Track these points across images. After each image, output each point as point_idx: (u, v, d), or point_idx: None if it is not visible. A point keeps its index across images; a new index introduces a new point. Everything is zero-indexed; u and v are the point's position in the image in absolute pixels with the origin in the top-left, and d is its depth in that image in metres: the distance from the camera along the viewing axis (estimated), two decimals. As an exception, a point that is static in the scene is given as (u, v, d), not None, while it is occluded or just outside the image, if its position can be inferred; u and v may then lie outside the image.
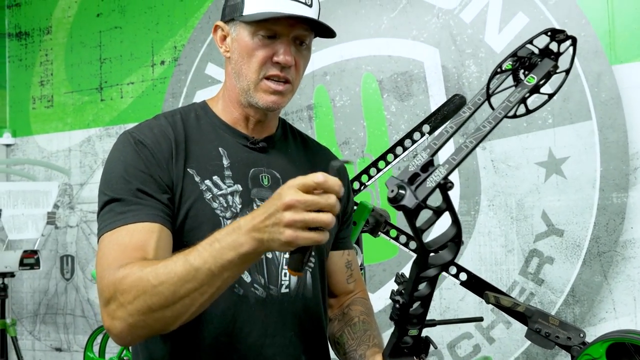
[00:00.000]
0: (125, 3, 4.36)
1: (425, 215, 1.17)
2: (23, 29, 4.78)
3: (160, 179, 1.46)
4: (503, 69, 1.35)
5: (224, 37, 1.60)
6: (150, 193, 1.43)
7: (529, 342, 2.88)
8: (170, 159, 1.49)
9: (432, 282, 1.26)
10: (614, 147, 2.97)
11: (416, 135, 2.43)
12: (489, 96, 1.30)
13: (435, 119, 2.36)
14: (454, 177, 3.30)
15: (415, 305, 1.30)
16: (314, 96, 3.68)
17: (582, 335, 1.95)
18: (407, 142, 2.45)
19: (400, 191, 1.12)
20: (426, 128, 2.40)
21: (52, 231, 4.48)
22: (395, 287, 1.36)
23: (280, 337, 1.54)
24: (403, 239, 2.52)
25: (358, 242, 2.45)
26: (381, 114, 3.50)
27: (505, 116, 1.26)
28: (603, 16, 3.05)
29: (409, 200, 1.11)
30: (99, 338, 3.72)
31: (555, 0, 3.10)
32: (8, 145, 4.73)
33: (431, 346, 1.42)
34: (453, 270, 2.33)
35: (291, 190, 1.16)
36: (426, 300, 1.29)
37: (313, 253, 1.60)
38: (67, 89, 4.55)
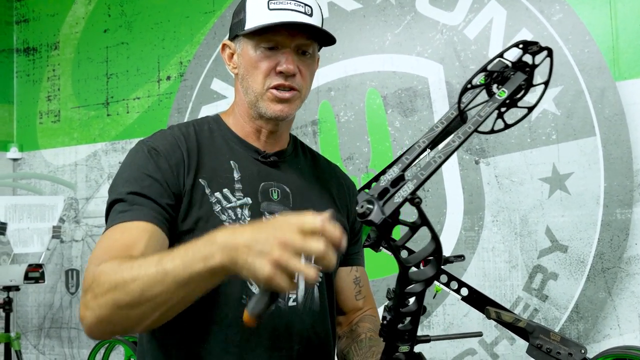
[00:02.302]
0: (132, 19, 4.40)
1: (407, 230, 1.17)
2: (31, 44, 4.81)
3: (167, 185, 1.48)
4: (474, 84, 1.35)
5: (232, 55, 1.64)
6: (152, 197, 1.45)
7: (532, 359, 2.87)
8: (182, 168, 1.52)
9: (420, 298, 1.25)
10: (618, 163, 2.97)
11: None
12: (461, 111, 1.30)
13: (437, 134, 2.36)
14: (457, 193, 3.30)
15: (405, 321, 1.29)
16: (319, 111, 3.69)
17: (583, 351, 1.93)
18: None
19: (369, 206, 1.11)
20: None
21: (58, 245, 4.49)
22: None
23: (287, 350, 1.54)
24: (405, 253, 2.51)
25: (360, 257, 2.44)
26: (385, 129, 3.51)
27: (478, 131, 1.25)
28: (607, 32, 3.05)
29: (375, 216, 1.10)
30: (102, 352, 3.72)
31: (558, 17, 3.11)
32: (15, 160, 4.75)
33: None
34: (454, 285, 2.32)
35: (290, 227, 1.08)
36: (415, 316, 1.28)
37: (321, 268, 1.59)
38: (73, 104, 4.58)
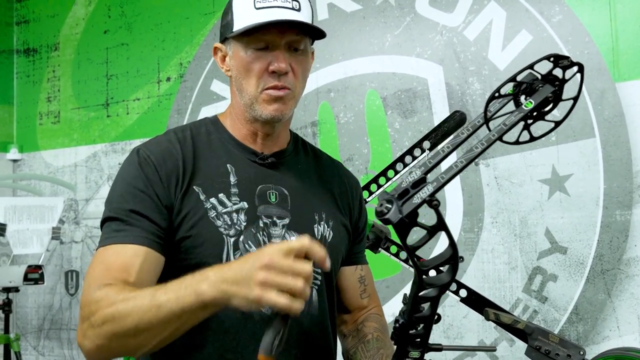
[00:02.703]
0: (132, 20, 4.40)
1: (422, 233, 1.17)
2: (31, 45, 4.82)
3: (157, 199, 1.47)
4: (502, 93, 1.34)
5: (224, 58, 1.62)
6: (145, 214, 1.45)
7: (531, 360, 2.86)
8: (174, 177, 1.51)
9: (434, 304, 1.24)
10: (618, 165, 2.96)
11: (417, 151, 2.43)
12: (486, 119, 1.29)
13: (436, 136, 2.36)
14: (456, 194, 3.30)
15: (418, 327, 1.28)
16: (318, 113, 3.69)
17: (582, 352, 1.93)
18: (408, 159, 2.46)
19: (388, 205, 1.12)
20: (427, 144, 2.40)
21: (57, 246, 4.49)
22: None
23: (285, 355, 1.52)
24: (403, 255, 2.51)
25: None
26: (385, 130, 3.51)
27: (500, 139, 1.25)
28: (606, 34, 3.05)
29: (393, 215, 1.11)
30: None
31: (558, 18, 3.11)
32: (15, 161, 4.75)
33: None
34: (453, 286, 2.32)
35: (273, 251, 1.16)
36: (428, 322, 1.27)
37: (319, 270, 1.59)
38: (73, 105, 4.58)
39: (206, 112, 3.99)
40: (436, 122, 3.34)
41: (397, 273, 3.39)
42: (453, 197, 3.31)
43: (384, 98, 3.53)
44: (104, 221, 1.49)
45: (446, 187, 3.28)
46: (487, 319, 2.09)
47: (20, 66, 4.85)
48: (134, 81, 4.36)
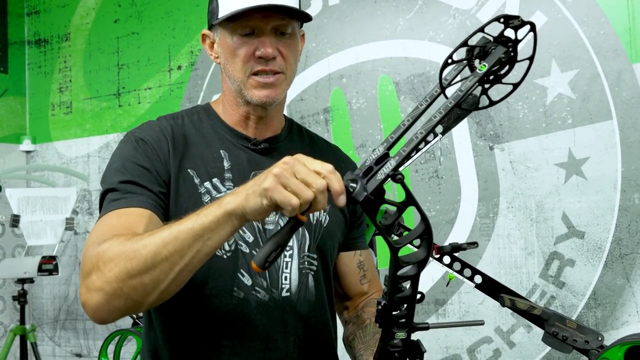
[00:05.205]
0: (142, 9, 4.37)
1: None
2: (42, 36, 4.81)
3: (157, 173, 1.47)
4: (454, 59, 1.31)
5: (212, 45, 1.61)
6: (144, 185, 1.44)
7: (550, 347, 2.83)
8: (168, 156, 1.50)
9: (414, 282, 1.21)
10: (636, 147, 2.91)
11: (429, 136, 2.39)
12: (443, 88, 1.27)
13: (449, 120, 2.31)
14: (471, 179, 3.26)
15: (402, 307, 1.25)
16: (330, 99, 3.66)
17: (600, 338, 1.90)
18: (421, 144, 2.41)
19: (352, 184, 1.11)
20: (439, 129, 2.35)
21: (72, 237, 4.49)
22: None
23: (282, 341, 1.53)
24: (416, 241, 2.47)
25: (372, 245, 2.41)
26: (398, 116, 3.47)
27: (459, 106, 1.22)
28: (623, 14, 2.99)
29: (358, 193, 1.09)
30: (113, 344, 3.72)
31: (573, -2, 3.06)
32: (28, 152, 4.75)
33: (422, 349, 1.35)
34: (468, 272, 2.28)
35: (295, 157, 1.15)
36: (410, 302, 1.24)
37: (315, 255, 1.59)
38: (85, 95, 4.57)
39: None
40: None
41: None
42: (468, 183, 3.27)
43: (396, 83, 3.49)
44: (102, 197, 1.46)
45: (460, 172, 3.25)
46: (503, 305, 2.06)
47: (31, 57, 4.84)
48: (145, 70, 4.34)
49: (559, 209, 3.08)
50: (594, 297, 2.98)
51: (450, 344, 3.27)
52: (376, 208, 1.11)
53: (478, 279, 2.28)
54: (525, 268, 3.15)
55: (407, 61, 3.47)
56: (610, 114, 2.96)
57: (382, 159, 1.14)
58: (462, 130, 3.25)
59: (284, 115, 1.73)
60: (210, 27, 1.58)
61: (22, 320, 4.06)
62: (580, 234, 3.02)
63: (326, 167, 1.13)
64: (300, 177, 1.12)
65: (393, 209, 1.17)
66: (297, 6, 1.51)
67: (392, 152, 1.16)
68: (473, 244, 2.21)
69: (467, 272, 2.31)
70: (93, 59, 4.56)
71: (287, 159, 1.14)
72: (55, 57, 4.73)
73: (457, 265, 2.29)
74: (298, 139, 1.72)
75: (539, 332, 3.03)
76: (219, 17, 1.50)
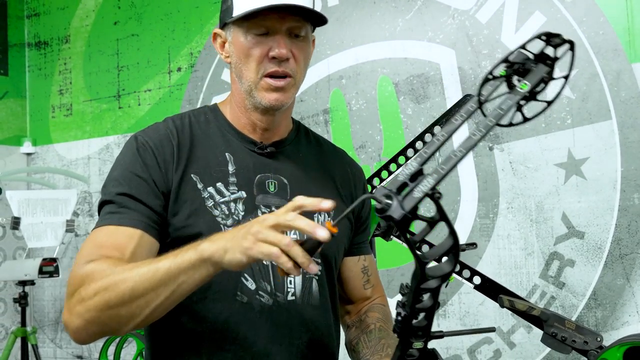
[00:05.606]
0: (141, 11, 4.38)
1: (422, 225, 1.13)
2: (42, 38, 4.81)
3: (154, 184, 1.46)
4: (494, 75, 1.30)
5: (223, 44, 1.58)
6: (141, 198, 1.43)
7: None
8: (171, 162, 1.49)
9: (435, 294, 1.21)
10: (635, 147, 2.91)
11: (428, 137, 2.39)
12: (480, 104, 1.25)
13: (447, 121, 2.32)
14: (471, 180, 3.26)
15: (420, 317, 1.25)
16: (330, 100, 3.66)
17: (599, 339, 1.90)
18: (419, 145, 2.42)
19: (387, 201, 1.09)
20: (438, 129, 2.36)
21: (72, 239, 4.50)
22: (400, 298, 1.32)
23: (286, 345, 1.52)
24: (426, 248, 2.47)
25: (371, 246, 2.41)
26: (397, 117, 3.47)
27: (498, 124, 1.21)
28: (622, 14, 2.99)
29: (395, 211, 1.08)
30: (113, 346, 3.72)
31: (572, -1, 3.05)
32: (28, 154, 4.76)
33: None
34: (467, 273, 2.28)
35: (271, 215, 1.20)
36: (430, 313, 1.24)
37: (319, 261, 1.57)
38: (85, 97, 4.58)
39: (218, 101, 3.96)
40: (449, 107, 3.30)
41: (412, 261, 3.35)
42: (467, 183, 3.27)
43: (396, 84, 3.49)
44: (100, 206, 1.48)
45: (460, 173, 3.25)
46: (502, 306, 2.06)
47: (32, 59, 4.85)
48: (144, 72, 4.35)
49: (559, 209, 3.08)
50: (594, 298, 2.98)
51: (450, 344, 3.27)
52: (409, 225, 1.10)
53: (477, 279, 2.28)
54: (525, 268, 3.14)
55: (406, 62, 3.47)
56: (609, 114, 2.96)
57: (417, 175, 1.12)
58: (461, 131, 3.25)
59: (292, 118, 1.71)
60: (223, 26, 1.56)
61: (23, 322, 4.06)
62: (580, 234, 3.02)
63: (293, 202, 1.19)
64: (275, 226, 1.17)
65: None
66: (311, 7, 1.49)
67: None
68: (472, 245, 2.22)
69: (466, 273, 2.31)
70: (93, 61, 4.57)
71: (263, 216, 1.20)
72: (55, 59, 4.73)
73: (456, 266, 2.29)
74: (305, 142, 1.70)
75: (539, 332, 3.03)
76: (234, 15, 1.48)
